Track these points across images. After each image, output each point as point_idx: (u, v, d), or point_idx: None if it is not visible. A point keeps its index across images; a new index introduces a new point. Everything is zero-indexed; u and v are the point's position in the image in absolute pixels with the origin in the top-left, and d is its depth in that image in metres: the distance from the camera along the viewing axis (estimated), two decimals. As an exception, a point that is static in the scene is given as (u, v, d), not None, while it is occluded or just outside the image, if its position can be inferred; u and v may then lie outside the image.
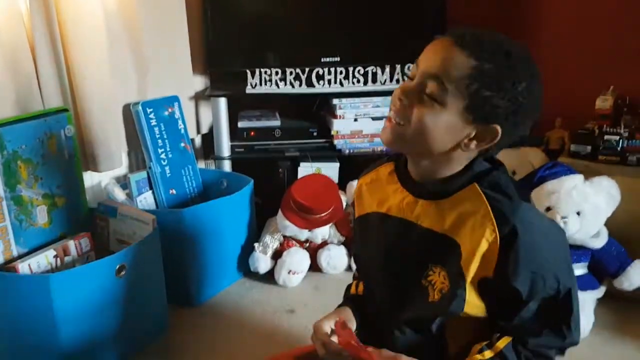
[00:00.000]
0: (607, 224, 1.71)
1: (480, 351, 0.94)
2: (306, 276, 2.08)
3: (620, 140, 1.88)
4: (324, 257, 2.09)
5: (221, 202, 1.92)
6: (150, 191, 2.00)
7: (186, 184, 2.10)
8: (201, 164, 2.40)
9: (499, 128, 0.89)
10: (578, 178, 1.67)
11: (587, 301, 1.66)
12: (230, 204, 1.95)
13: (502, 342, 0.94)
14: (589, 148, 1.92)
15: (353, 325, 1.09)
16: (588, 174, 1.70)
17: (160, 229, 1.67)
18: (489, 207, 0.89)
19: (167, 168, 2.02)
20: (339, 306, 1.15)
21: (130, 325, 1.59)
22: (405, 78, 2.22)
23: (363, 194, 1.11)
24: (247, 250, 2.08)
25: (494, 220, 0.89)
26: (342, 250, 2.12)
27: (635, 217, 1.75)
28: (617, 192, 1.67)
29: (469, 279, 0.92)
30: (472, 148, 0.91)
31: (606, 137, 1.89)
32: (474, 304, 0.94)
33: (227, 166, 2.28)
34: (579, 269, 1.71)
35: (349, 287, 1.23)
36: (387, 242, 1.03)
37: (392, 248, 1.02)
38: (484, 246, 0.89)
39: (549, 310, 0.93)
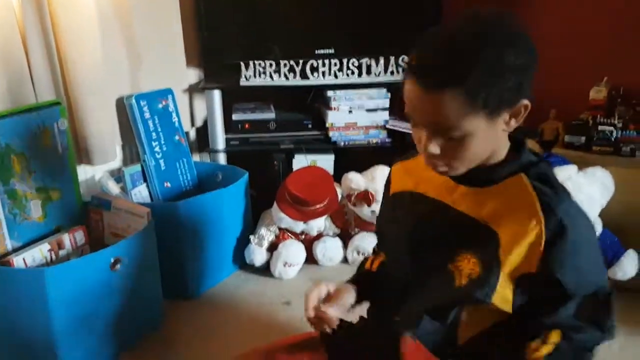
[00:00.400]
0: (601, 214, 1.72)
1: (537, 348, 0.92)
2: (302, 268, 2.08)
3: (614, 131, 1.88)
4: (319, 249, 2.09)
5: (216, 194, 1.91)
6: (145, 184, 2.00)
7: (181, 177, 2.10)
8: (196, 157, 2.40)
9: (525, 101, 0.87)
10: (572, 169, 1.68)
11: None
12: (225, 196, 1.95)
13: (555, 336, 0.92)
14: (583, 139, 1.92)
15: (350, 299, 1.06)
16: (582, 165, 1.71)
17: (155, 222, 1.67)
18: (537, 200, 0.87)
19: (161, 161, 2.01)
20: (347, 281, 1.12)
21: (127, 318, 1.59)
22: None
23: (399, 176, 1.09)
24: (242, 243, 2.08)
25: (540, 214, 0.86)
26: (338, 242, 2.12)
27: (629, 207, 1.76)
28: (611, 182, 1.67)
29: (505, 269, 0.89)
30: (514, 125, 0.89)
31: (600, 127, 1.89)
32: (503, 296, 0.91)
33: (222, 159, 2.27)
34: (573, 259, 1.72)
35: (364, 261, 1.19)
36: (417, 221, 1.01)
37: (423, 227, 0.99)
38: (529, 239, 0.87)
39: (590, 307, 0.91)
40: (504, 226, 0.89)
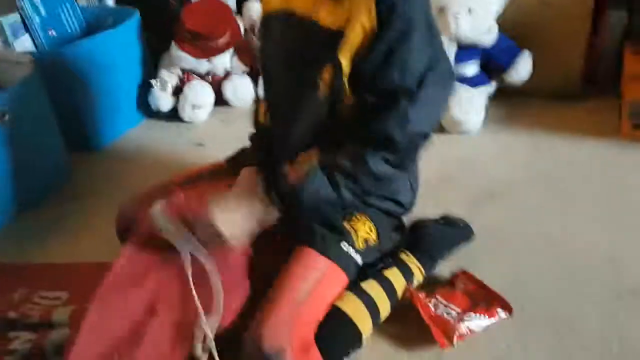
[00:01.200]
0: (498, 19, 1.72)
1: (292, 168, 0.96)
2: (213, 110, 2.03)
3: None
4: (229, 89, 2.03)
5: (104, 37, 1.79)
6: (28, 34, 1.84)
7: (66, 23, 1.93)
8: (82, 2, 2.20)
9: None
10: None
11: (476, 96, 1.70)
12: (115, 38, 1.83)
13: (315, 156, 0.95)
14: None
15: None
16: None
17: (44, 71, 1.58)
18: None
19: (40, 7, 1.84)
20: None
21: (28, 174, 1.55)
22: None
23: None
24: (145, 90, 1.99)
25: (374, 10, 0.90)
26: (247, 80, 2.05)
27: (525, 11, 1.77)
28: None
29: (345, 68, 0.94)
30: None
31: None
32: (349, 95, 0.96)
33: (110, 1, 2.10)
34: (471, 68, 1.75)
35: (256, 110, 1.19)
36: (289, 42, 1.03)
37: (294, 48, 1.02)
38: (360, 35, 0.92)
39: (391, 99, 0.92)
40: (350, 29, 0.92)
